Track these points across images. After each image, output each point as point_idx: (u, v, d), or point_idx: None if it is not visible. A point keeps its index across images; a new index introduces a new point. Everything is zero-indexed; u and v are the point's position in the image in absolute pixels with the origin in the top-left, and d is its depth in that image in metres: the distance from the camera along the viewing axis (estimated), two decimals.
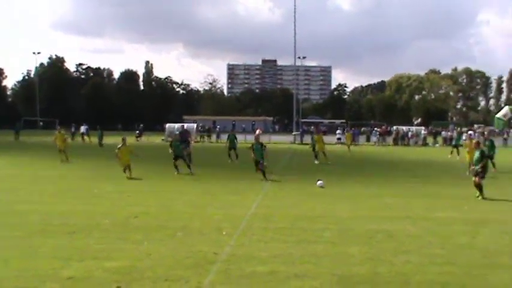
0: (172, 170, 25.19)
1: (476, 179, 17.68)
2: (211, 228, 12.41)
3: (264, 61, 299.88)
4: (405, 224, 13.30)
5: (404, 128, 72.27)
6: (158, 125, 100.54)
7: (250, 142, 30.35)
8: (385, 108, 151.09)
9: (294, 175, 26.11)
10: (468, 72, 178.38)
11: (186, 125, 52.92)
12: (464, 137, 42.18)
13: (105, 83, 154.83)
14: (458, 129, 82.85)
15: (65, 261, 9.48)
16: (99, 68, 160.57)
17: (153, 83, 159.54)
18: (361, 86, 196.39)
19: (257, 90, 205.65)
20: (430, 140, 67.28)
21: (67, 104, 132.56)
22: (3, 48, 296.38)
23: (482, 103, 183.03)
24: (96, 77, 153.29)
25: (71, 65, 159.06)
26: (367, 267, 9.27)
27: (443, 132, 67.55)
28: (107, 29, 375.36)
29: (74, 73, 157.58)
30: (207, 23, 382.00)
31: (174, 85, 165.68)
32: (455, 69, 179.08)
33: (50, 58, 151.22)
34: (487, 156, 25.34)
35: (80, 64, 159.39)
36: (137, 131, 68.27)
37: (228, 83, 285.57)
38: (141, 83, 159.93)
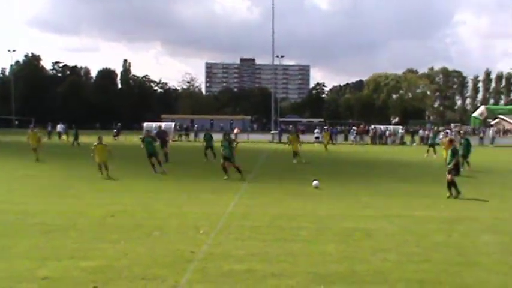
0: (150, 169, 25.11)
1: (449, 176, 17.81)
2: (188, 227, 12.38)
3: (242, 60, 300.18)
4: (382, 223, 13.38)
5: (382, 127, 72.62)
6: (136, 124, 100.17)
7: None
8: (363, 107, 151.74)
9: (272, 174, 26.12)
10: (445, 71, 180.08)
11: (164, 124, 52.80)
12: (441, 136, 42.62)
13: (82, 82, 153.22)
14: (435, 128, 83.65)
15: (40, 261, 9.39)
16: (75, 67, 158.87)
17: (131, 81, 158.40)
18: (339, 85, 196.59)
19: (235, 89, 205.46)
20: (407, 138, 67.75)
21: (43, 103, 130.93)
22: None
23: (459, 102, 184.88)
24: (72, 75, 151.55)
25: (47, 63, 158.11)
26: (344, 266, 9.30)
27: (420, 131, 68.04)
28: (84, 27, 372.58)
29: (50, 71, 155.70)
30: (185, 22, 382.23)
31: (152, 84, 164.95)
32: (432, 69, 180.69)
33: (25, 56, 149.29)
34: (464, 155, 25.76)
35: (57, 62, 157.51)
36: (115, 130, 67.79)
37: (206, 82, 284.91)
38: (118, 82, 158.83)
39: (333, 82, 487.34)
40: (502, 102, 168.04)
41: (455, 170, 17.87)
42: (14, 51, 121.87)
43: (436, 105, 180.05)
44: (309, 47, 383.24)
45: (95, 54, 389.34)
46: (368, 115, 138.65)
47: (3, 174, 24.72)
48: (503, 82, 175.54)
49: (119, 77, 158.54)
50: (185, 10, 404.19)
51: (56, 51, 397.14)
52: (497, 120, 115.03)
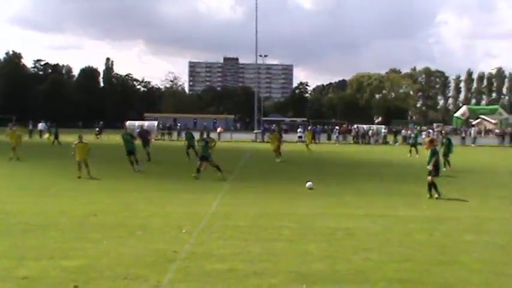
0: (130, 167, 25.04)
1: (429, 177, 17.85)
2: (171, 226, 12.33)
3: (225, 59, 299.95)
4: (365, 222, 13.41)
5: (365, 126, 72.99)
6: (119, 122, 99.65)
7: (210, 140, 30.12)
8: (346, 106, 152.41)
9: (254, 174, 26.15)
10: (427, 71, 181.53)
11: (146, 123, 52.68)
12: (423, 136, 42.88)
13: (65, 80, 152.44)
14: (418, 128, 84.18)
15: (19, 260, 9.28)
16: (57, 65, 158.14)
17: (114, 80, 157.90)
18: (323, 85, 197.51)
19: (219, 88, 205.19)
20: (390, 138, 68.08)
21: (24, 101, 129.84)
22: None
23: (441, 102, 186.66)
24: (54, 73, 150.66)
25: (28, 61, 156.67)
26: (325, 265, 9.31)
27: (403, 131, 68.45)
28: (67, 24, 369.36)
29: (32, 69, 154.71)
30: (169, 20, 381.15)
31: (135, 82, 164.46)
32: (414, 69, 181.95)
33: (6, 54, 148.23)
34: (445, 154, 25.94)
35: (38, 60, 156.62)
36: (97, 129, 67.40)
37: (190, 81, 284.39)
38: (101, 80, 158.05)
39: (316, 82, 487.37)
40: (483, 102, 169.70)
41: (435, 171, 17.88)
42: None
43: (418, 105, 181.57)
44: (293, 46, 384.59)
45: (79, 52, 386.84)
46: (351, 115, 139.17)
47: None
48: (485, 82, 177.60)
49: (101, 76, 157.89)
50: (169, 9, 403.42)
51: (39, 50, 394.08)
52: (478, 120, 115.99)
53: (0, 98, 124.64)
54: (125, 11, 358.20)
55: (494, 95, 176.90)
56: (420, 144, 39.59)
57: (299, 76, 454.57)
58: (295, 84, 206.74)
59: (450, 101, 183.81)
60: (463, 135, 68.61)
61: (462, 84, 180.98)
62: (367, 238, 11.52)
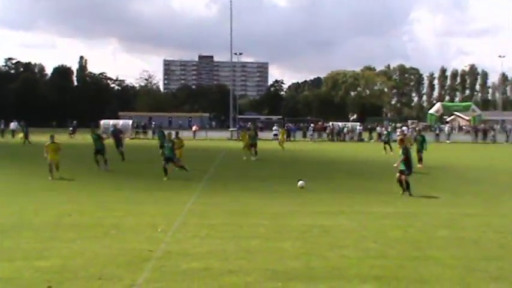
0: (95, 166, 24.86)
1: (402, 176, 17.88)
2: (146, 226, 12.27)
3: (200, 57, 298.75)
4: (340, 219, 13.49)
5: (340, 123, 73.25)
6: (93, 121, 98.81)
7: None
8: (322, 104, 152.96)
9: (230, 172, 26.15)
10: (402, 69, 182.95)
11: (121, 122, 52.34)
12: (398, 133, 43.15)
13: (37, 79, 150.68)
14: (393, 125, 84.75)
15: None
16: (30, 63, 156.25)
17: (88, 78, 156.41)
18: (298, 83, 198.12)
19: (194, 86, 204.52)
20: (365, 135, 68.45)
21: None
22: None
23: (416, 99, 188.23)
24: (27, 72, 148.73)
25: None
26: (301, 262, 9.33)
27: (378, 128, 68.85)
28: (38, 22, 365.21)
29: (3, 68, 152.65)
30: (143, 18, 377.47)
31: (109, 81, 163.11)
32: (388, 67, 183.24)
33: None
34: (418, 151, 26.21)
35: (9, 59, 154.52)
36: (71, 128, 66.70)
37: (164, 79, 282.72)
38: (74, 79, 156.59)
39: (291, 79, 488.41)
40: (457, 99, 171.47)
41: (408, 169, 17.92)
42: None
43: (393, 102, 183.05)
44: (268, 44, 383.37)
45: (51, 51, 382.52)
46: (326, 112, 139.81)
47: None
48: (458, 79, 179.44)
49: (75, 74, 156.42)
50: (142, 6, 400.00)
51: (11, 48, 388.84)
52: (452, 117, 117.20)
53: None
54: (97, 8, 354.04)
55: (467, 91, 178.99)
56: (395, 141, 39.87)
57: (274, 74, 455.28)
58: (270, 82, 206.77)
59: (424, 98, 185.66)
60: (437, 132, 69.25)
61: (436, 82, 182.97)
62: (342, 235, 11.57)
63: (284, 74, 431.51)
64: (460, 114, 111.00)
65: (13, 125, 64.22)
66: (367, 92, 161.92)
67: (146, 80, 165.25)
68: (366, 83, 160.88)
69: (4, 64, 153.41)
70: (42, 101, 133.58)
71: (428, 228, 12.45)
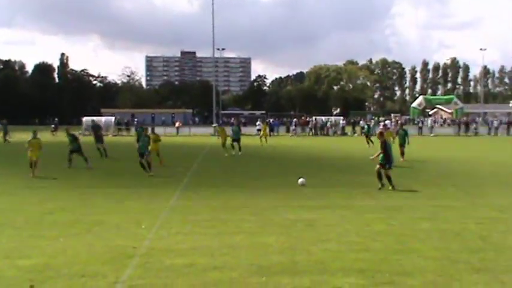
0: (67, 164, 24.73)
1: (383, 170, 17.90)
2: (129, 222, 12.23)
3: (183, 53, 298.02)
4: (323, 213, 13.51)
5: (324, 118, 73.42)
6: (75, 118, 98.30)
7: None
8: (305, 99, 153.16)
9: (213, 167, 26.11)
10: (384, 63, 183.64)
11: (104, 119, 51.99)
12: (381, 127, 43.32)
13: (18, 76, 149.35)
14: (376, 118, 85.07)
15: None
16: (9, 60, 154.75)
17: (69, 75, 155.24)
18: (281, 77, 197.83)
19: (176, 83, 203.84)
20: (348, 129, 68.68)
21: None
22: None
23: (398, 93, 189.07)
24: (6, 69, 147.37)
25: None
26: (285, 257, 9.34)
27: (361, 122, 69.08)
28: (18, 19, 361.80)
29: None
30: (124, 14, 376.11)
31: (91, 78, 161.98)
32: (370, 61, 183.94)
33: None
34: (401, 144, 26.31)
35: None
36: (53, 126, 66.22)
37: (147, 76, 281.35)
38: (56, 76, 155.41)
39: (274, 74, 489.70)
40: (439, 92, 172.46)
41: (388, 163, 17.94)
42: None
43: (376, 96, 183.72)
44: (250, 39, 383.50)
45: (32, 48, 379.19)
46: (310, 107, 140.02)
47: None
48: (440, 72, 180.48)
49: (56, 71, 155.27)
50: (124, 2, 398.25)
51: None
52: (435, 110, 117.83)
53: None
54: (78, 4, 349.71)
55: (449, 85, 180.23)
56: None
57: (257, 69, 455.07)
58: (253, 77, 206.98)
59: (407, 91, 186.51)
60: (420, 125, 69.66)
61: (418, 75, 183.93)
62: (326, 229, 11.60)
63: (267, 69, 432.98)
64: (443, 108, 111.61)
65: None
66: (350, 86, 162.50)
67: (128, 76, 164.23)
68: (349, 77, 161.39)
69: None
70: (23, 99, 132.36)
71: (410, 221, 12.52)
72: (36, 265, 8.81)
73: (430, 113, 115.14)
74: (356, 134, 63.94)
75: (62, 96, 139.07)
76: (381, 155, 17.88)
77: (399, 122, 54.46)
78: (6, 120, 56.38)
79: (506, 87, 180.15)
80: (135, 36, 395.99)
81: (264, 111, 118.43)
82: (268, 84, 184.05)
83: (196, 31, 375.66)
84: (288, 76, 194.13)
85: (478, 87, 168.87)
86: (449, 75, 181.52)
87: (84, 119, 67.25)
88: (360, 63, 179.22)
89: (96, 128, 32.38)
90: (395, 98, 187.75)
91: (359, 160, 29.93)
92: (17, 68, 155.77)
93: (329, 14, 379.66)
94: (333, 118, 76.50)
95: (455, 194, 17.17)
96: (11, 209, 14.10)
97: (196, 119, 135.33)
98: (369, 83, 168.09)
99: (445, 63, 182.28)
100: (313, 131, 66.91)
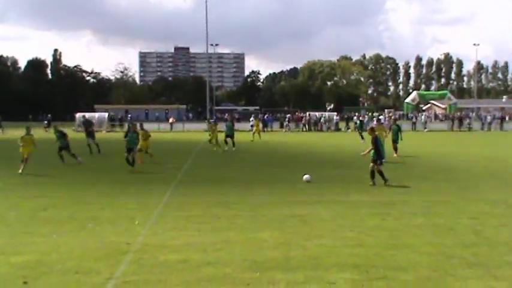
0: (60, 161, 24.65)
1: (376, 166, 17.87)
2: (123, 218, 12.21)
3: (176, 49, 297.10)
4: (317, 208, 13.53)
5: (317, 113, 73.43)
6: (68, 114, 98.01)
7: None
8: (299, 94, 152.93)
9: (207, 163, 26.07)
10: (378, 58, 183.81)
11: (97, 115, 51.86)
12: (375, 122, 43.35)
13: (10, 72, 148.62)
14: (370, 114, 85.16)
15: None
16: (1, 56, 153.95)
17: (62, 71, 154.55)
18: (275, 73, 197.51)
19: (170, 78, 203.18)
20: (342, 125, 68.72)
21: None
22: None
23: (392, 88, 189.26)
24: None
25: None
26: (279, 252, 9.35)
27: (355, 118, 69.17)
28: (10, 14, 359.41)
29: None
30: (117, 10, 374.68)
31: (84, 74, 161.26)
32: (364, 56, 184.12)
33: None
34: (394, 140, 26.31)
35: None
36: (45, 122, 66.01)
37: (140, 71, 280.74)
38: (49, 72, 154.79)
39: (268, 70, 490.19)
40: (433, 87, 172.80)
41: (379, 158, 17.94)
42: None
43: (370, 92, 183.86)
44: (244, 34, 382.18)
45: (24, 43, 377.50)
46: (303, 102, 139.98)
47: None
48: (434, 68, 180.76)
49: (49, 67, 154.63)
50: None
51: None
52: (428, 105, 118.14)
53: None
54: (71, 0, 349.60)
55: (443, 80, 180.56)
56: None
57: (251, 65, 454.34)
58: (247, 73, 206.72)
59: (400, 87, 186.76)
60: (414, 120, 69.80)
61: (412, 70, 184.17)
62: (320, 224, 11.61)
63: (260, 65, 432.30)
64: (436, 103, 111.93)
65: None
66: (344, 81, 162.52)
67: (122, 72, 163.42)
68: (343, 73, 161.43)
69: None
70: (15, 95, 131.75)
71: (404, 216, 12.55)
72: (30, 262, 8.78)
73: (423, 108, 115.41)
74: (350, 130, 63.99)
75: (55, 92, 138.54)
76: (372, 150, 17.88)
77: (392, 117, 54.53)
78: (0, 116, 56.34)
79: (500, 82, 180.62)
80: (129, 32, 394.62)
81: (257, 107, 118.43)
82: (262, 80, 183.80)
83: (189, 27, 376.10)
84: (282, 72, 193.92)
85: (472, 83, 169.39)
86: (443, 70, 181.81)
87: (77, 115, 67.08)
88: (354, 58, 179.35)
89: (87, 124, 32.32)
90: (389, 93, 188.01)
91: (352, 155, 29.92)
92: (9, 64, 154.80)
93: (323, 10, 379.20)
94: (326, 114, 76.49)
95: (448, 189, 17.20)
96: (4, 206, 14.05)
97: (190, 115, 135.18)
98: (362, 79, 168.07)
99: (438, 59, 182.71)
100: (306, 126, 66.98)
